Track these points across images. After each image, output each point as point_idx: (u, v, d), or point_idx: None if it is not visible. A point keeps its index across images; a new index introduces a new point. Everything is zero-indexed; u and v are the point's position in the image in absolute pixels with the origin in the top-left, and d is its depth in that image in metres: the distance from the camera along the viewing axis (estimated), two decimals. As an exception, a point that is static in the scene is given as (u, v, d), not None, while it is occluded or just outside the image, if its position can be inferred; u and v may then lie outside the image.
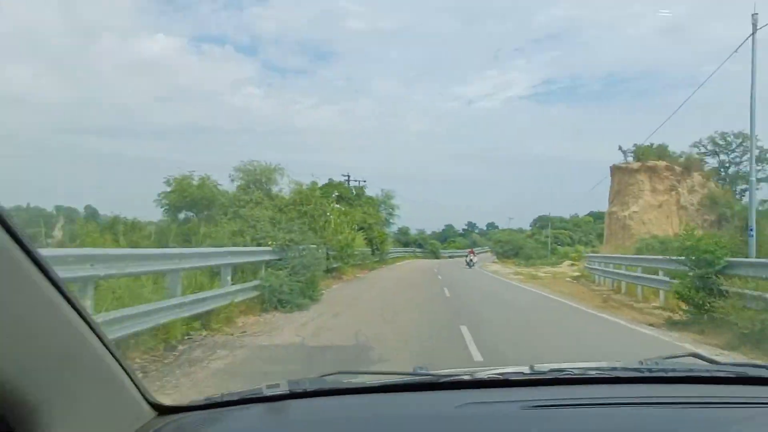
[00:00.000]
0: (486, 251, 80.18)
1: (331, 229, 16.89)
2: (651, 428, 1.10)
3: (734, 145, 43.73)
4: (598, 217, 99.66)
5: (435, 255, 60.16)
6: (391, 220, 44.87)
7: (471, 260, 34.51)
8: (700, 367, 1.45)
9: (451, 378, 1.32)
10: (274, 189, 16.60)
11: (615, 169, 46.25)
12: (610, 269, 19.51)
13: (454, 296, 14.90)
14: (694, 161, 44.33)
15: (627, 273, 16.43)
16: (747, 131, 44.75)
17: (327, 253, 16.33)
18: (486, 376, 1.31)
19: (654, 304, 13.20)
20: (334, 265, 17.73)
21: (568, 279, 25.11)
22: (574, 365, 1.41)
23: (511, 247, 60.59)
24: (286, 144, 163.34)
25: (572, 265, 51.54)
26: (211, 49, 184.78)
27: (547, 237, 69.80)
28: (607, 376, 1.37)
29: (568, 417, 1.13)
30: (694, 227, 15.07)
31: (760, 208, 39.99)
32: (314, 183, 18.37)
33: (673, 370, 1.40)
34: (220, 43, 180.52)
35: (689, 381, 1.35)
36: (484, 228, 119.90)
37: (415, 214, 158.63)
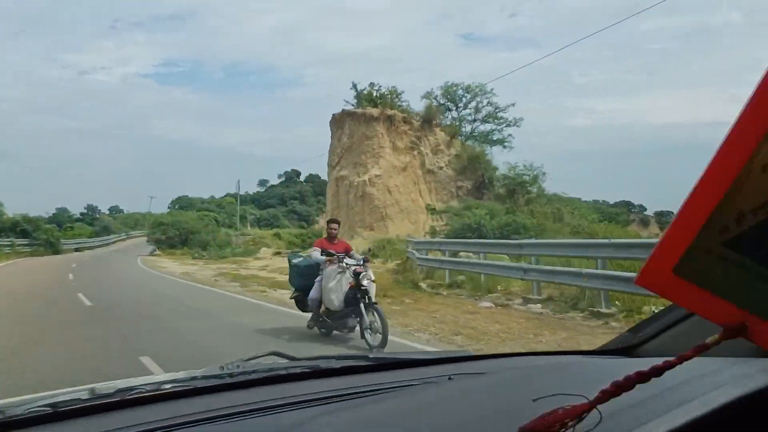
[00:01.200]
0: (130, 237, 59.84)
1: None
2: None
3: (464, 100, 35.99)
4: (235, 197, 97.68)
5: (54, 249, 36.90)
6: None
7: (365, 283, 6.52)
8: (280, 366, 1.43)
9: None
10: None
11: (343, 118, 33.50)
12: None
13: None
14: (434, 113, 34.86)
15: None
16: (477, 83, 38.06)
17: None
18: (34, 410, 1.03)
19: None
20: None
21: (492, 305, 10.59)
22: (148, 380, 1.26)
23: (177, 233, 42.25)
24: None
25: (278, 253, 37.11)
26: None
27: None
28: (184, 389, 1.23)
29: None
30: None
31: (509, 173, 33.23)
32: None
33: (255, 372, 1.35)
34: None
35: (271, 381, 1.32)
36: (106, 211, 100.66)
37: (12, 197, 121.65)
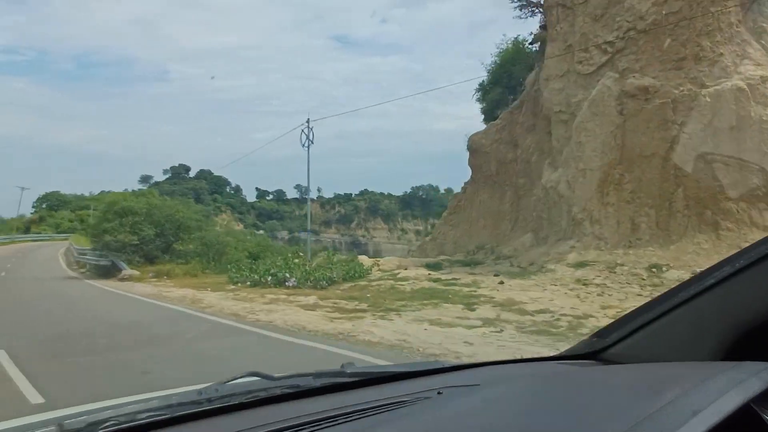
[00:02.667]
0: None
1: None
2: None
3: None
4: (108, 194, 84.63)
5: None
6: None
7: None
8: (259, 387, 1.35)
9: None
10: None
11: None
12: None
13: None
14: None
15: None
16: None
17: None
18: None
19: None
20: None
21: None
22: (120, 411, 1.09)
23: (157, 232, 21.02)
24: None
25: (436, 266, 18.20)
26: None
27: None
28: (161, 419, 1.08)
29: None
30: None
31: None
32: None
33: (233, 395, 1.26)
34: None
35: (251, 405, 1.26)
36: None
37: None
